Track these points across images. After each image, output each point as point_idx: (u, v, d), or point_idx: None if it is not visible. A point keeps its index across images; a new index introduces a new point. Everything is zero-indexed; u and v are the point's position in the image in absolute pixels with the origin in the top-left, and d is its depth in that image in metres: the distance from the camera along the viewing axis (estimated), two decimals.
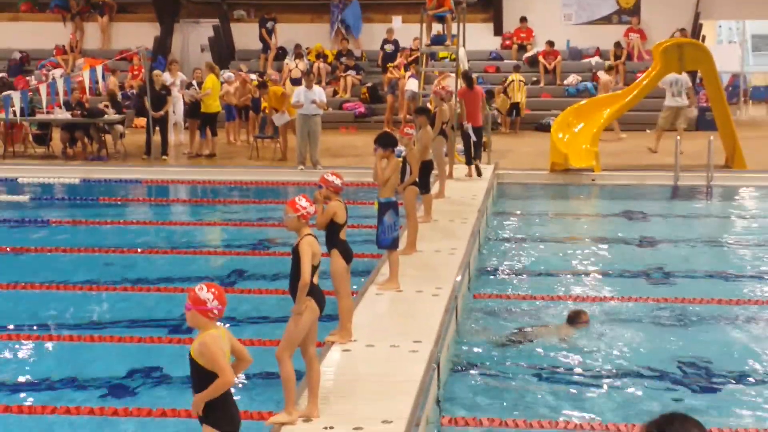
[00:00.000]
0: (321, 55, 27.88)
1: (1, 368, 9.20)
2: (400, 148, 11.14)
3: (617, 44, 27.21)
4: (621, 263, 12.96)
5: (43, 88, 19.86)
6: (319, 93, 19.13)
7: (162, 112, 20.58)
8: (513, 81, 25.08)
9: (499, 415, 7.82)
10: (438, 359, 8.14)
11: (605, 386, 8.66)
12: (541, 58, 27.26)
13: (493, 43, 28.50)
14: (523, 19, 28.08)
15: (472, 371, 8.92)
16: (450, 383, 8.56)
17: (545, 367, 9.00)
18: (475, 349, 9.49)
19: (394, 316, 9.50)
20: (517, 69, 25.92)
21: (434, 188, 14.43)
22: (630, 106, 20.46)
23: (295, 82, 24.34)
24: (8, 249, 13.54)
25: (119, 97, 23.52)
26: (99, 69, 21.31)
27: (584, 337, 9.81)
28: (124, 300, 11.23)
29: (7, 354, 9.53)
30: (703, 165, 18.23)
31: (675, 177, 18.22)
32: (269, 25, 28.23)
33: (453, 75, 19.89)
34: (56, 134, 21.66)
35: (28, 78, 26.52)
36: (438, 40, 20.78)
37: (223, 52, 28.25)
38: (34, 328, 10.25)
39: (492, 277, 12.23)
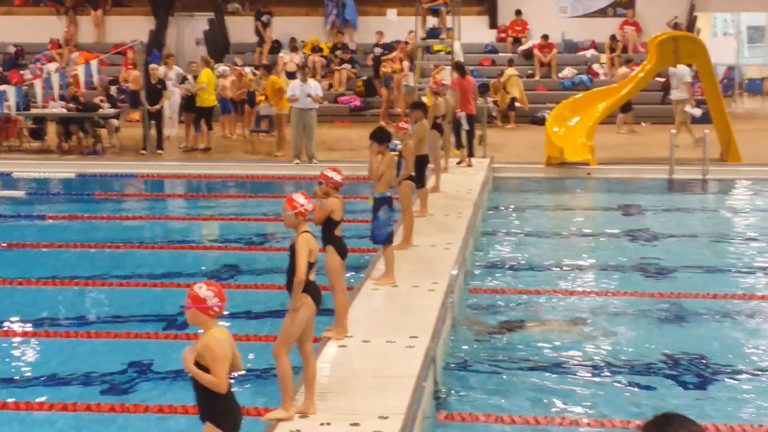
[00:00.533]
0: (316, 49, 27.86)
1: None
2: (396, 142, 11.15)
3: (612, 37, 27.22)
4: (616, 257, 12.99)
5: (38, 83, 19.83)
6: (315, 87, 19.11)
7: (158, 106, 20.55)
8: (510, 76, 25.10)
9: (496, 410, 7.84)
10: (434, 354, 8.15)
11: (601, 381, 8.67)
12: (536, 51, 27.25)
13: (489, 36, 28.50)
14: (518, 12, 28.08)
15: (468, 366, 8.93)
16: (446, 378, 8.57)
17: (541, 362, 9.01)
18: (471, 344, 9.50)
19: (390, 312, 9.49)
20: (510, 63, 25.92)
21: (430, 182, 14.45)
22: (626, 99, 20.48)
23: (291, 75, 24.32)
24: (4, 244, 13.52)
25: (113, 90, 23.47)
26: (94, 63, 21.28)
27: (580, 332, 9.84)
28: (120, 295, 11.22)
29: (2, 350, 9.52)
30: (698, 158, 18.27)
31: (670, 170, 18.24)
32: (264, 18, 28.21)
33: (448, 68, 19.91)
34: (51, 128, 21.64)
35: (22, 72, 26.48)
36: (433, 33, 20.78)
37: (218, 46, 28.21)
38: (29, 323, 10.24)
39: (488, 271, 12.24)
